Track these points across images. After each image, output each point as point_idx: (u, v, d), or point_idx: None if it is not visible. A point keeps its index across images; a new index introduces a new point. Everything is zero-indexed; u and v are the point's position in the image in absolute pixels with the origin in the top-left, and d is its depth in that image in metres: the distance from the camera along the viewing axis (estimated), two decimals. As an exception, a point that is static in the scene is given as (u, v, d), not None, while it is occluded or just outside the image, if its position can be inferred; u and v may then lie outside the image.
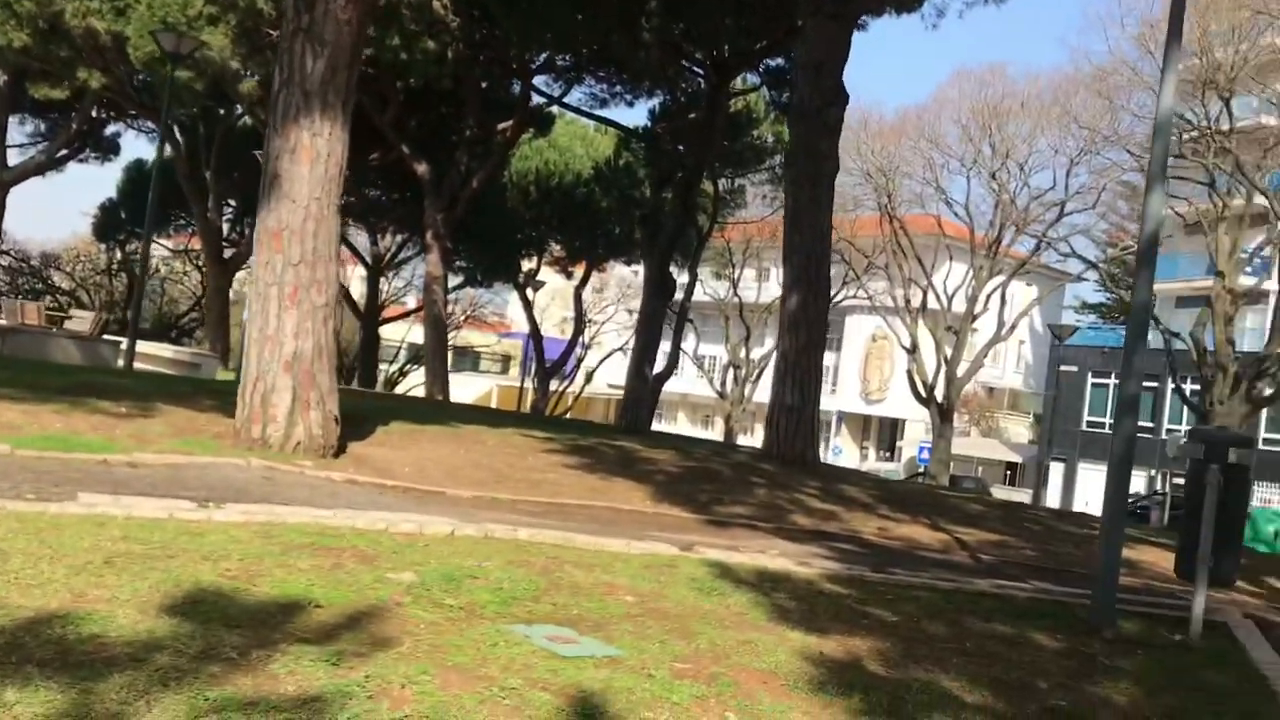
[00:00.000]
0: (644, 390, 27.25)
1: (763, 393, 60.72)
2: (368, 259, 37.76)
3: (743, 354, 46.47)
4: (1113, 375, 49.13)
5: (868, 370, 64.33)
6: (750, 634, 5.14)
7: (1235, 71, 24.58)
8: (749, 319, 45.36)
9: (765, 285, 46.96)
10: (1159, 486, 31.38)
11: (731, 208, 36.92)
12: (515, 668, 4.04)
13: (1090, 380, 51.68)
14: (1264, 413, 40.95)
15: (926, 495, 14.22)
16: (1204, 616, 7.36)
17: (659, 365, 30.97)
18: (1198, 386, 28.60)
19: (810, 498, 11.44)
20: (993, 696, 4.88)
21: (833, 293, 44.55)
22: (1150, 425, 44.98)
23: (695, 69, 26.44)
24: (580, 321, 38.79)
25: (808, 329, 14.25)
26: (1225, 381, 26.08)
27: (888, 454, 64.41)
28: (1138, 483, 41.12)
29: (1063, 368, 53.73)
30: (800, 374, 14.16)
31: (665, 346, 29.30)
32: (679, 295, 33.40)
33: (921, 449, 49.94)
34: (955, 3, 17.12)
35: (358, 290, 40.61)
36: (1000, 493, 50.02)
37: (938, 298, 36.28)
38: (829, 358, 68.53)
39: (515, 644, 4.36)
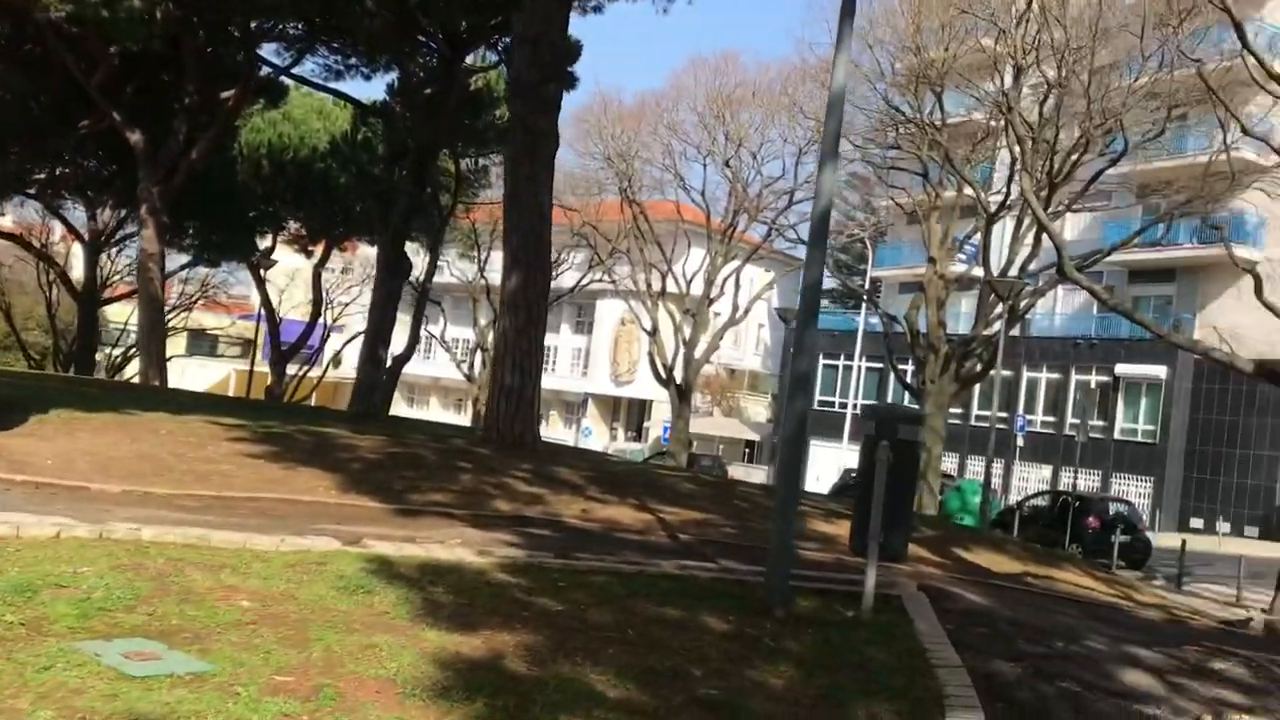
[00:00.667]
0: (377, 374, 26.29)
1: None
2: (85, 235, 34.82)
3: (490, 337, 45.88)
4: (841, 357, 51.71)
5: (617, 353, 65.08)
6: (380, 637, 4.69)
7: (945, 68, 25.99)
8: (496, 301, 44.77)
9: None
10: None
11: (476, 187, 36.23)
12: (59, 695, 3.43)
13: (822, 362, 54.10)
14: (977, 390, 44.04)
15: (641, 475, 14.19)
16: (879, 591, 7.46)
17: (399, 348, 30.04)
18: (914, 367, 30.26)
19: (518, 481, 11.11)
20: (639, 689, 4.63)
21: (581, 278, 45.23)
22: (874, 403, 47.48)
23: (430, 43, 25.64)
24: (319, 303, 37.16)
25: (527, 309, 13.90)
26: (937, 362, 27.64)
27: (635, 435, 65.41)
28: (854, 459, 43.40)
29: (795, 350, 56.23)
30: (520, 354, 13.80)
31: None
32: (421, 276, 32.52)
33: (666, 429, 50.71)
34: None
35: (77, 269, 37.42)
36: (739, 470, 51.65)
37: (676, 281, 36.90)
38: (580, 340, 69.26)
39: (77, 665, 3.74)
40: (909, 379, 30.60)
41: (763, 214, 36.19)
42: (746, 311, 36.97)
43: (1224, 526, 37.55)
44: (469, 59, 26.89)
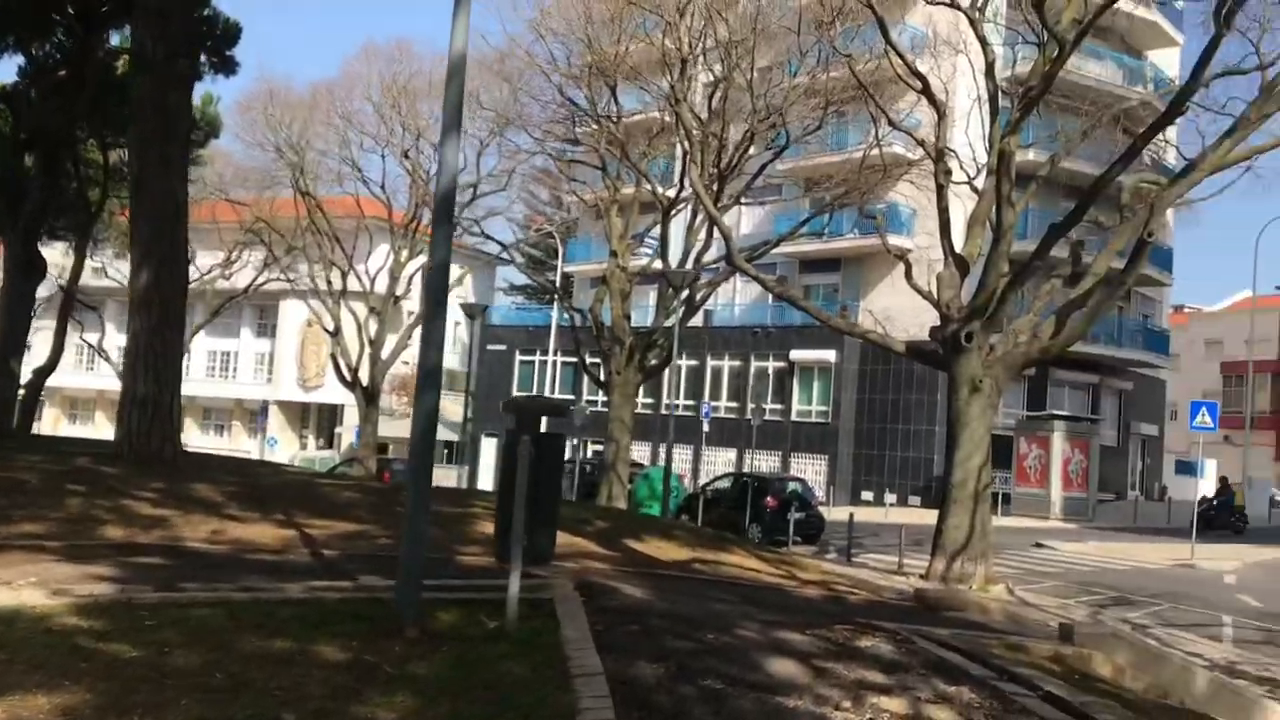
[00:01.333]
0: (10, 387, 23.43)
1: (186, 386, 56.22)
2: None
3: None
4: (537, 352, 51.74)
5: (304, 356, 62.22)
6: None
7: (618, 61, 26.17)
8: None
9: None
10: (572, 455, 33.11)
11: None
12: None
13: (518, 357, 53.98)
14: (668, 379, 45.13)
15: (296, 487, 13.15)
16: (531, 595, 6.98)
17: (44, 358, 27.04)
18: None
19: (143, 503, 9.88)
20: (203, 750, 3.86)
21: (256, 277, 42.62)
22: (571, 397, 47.76)
23: (61, 19, 23.06)
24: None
25: (162, 307, 12.50)
26: (622, 354, 27.85)
27: (326, 442, 62.76)
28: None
29: (490, 346, 55.65)
30: (154, 359, 12.39)
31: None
32: (66, 279, 29.38)
33: (358, 434, 48.77)
34: None
35: None
36: (437, 472, 50.54)
37: (359, 279, 35.45)
38: (263, 344, 65.68)
39: None
40: (598, 372, 30.76)
41: (446, 208, 35.30)
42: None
43: (890, 498, 40.31)
44: (114, 39, 24.49)
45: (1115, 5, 19.56)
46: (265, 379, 65.45)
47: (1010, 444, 38.51)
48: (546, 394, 49.20)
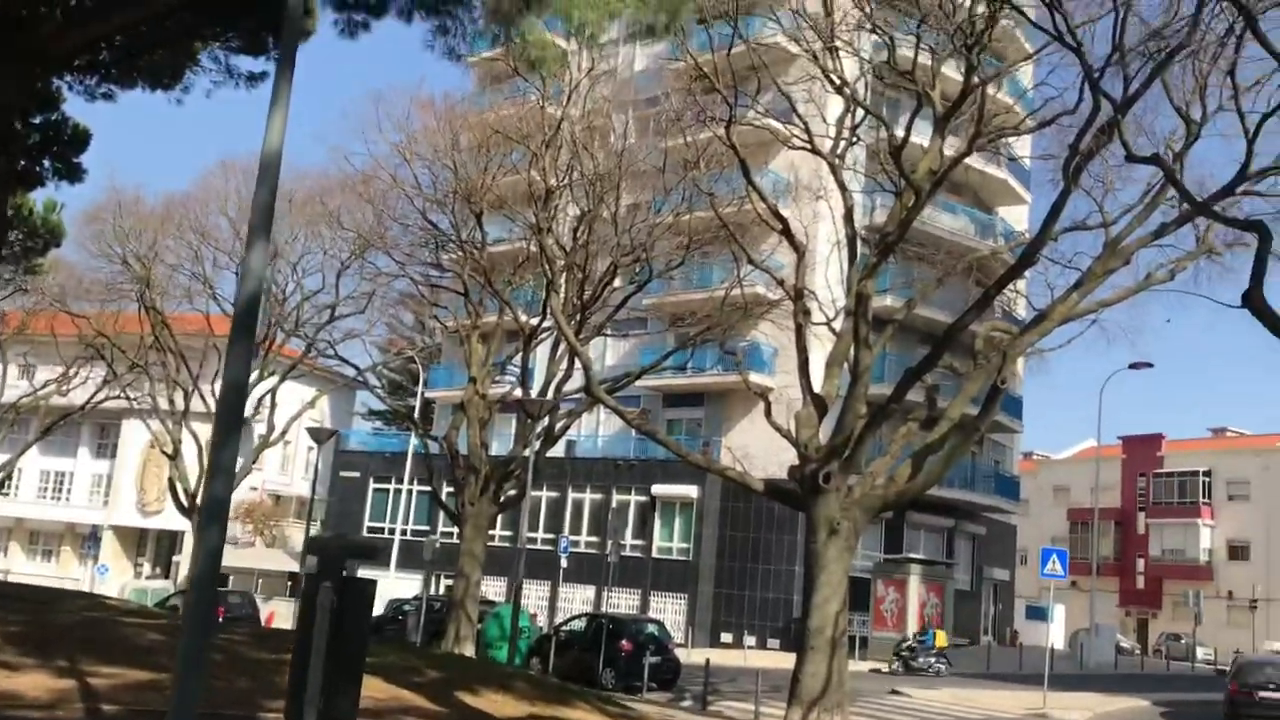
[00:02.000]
0: None
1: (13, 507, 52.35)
2: None
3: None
4: (392, 480, 50.05)
5: (145, 479, 59.09)
6: None
7: (484, 188, 25.95)
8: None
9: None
10: (420, 592, 31.61)
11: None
12: None
13: (372, 485, 52.15)
14: (527, 511, 43.96)
15: (94, 627, 11.83)
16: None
17: None
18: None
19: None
20: None
21: (94, 394, 40.23)
22: (426, 528, 46.16)
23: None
24: None
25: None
26: (477, 484, 26.90)
27: (163, 571, 59.21)
28: (402, 588, 41.58)
29: (344, 473, 53.72)
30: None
31: None
32: None
33: (199, 563, 46.00)
34: (202, 79, 15.31)
35: None
36: (280, 605, 47.86)
37: (203, 399, 33.77)
38: (101, 466, 62.10)
39: None
40: (453, 503, 29.61)
41: (303, 328, 34.18)
42: (284, 432, 34.47)
43: (750, 640, 39.62)
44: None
45: (967, 161, 20.28)
46: (102, 502, 61.73)
47: (868, 587, 38.47)
48: (400, 525, 47.40)
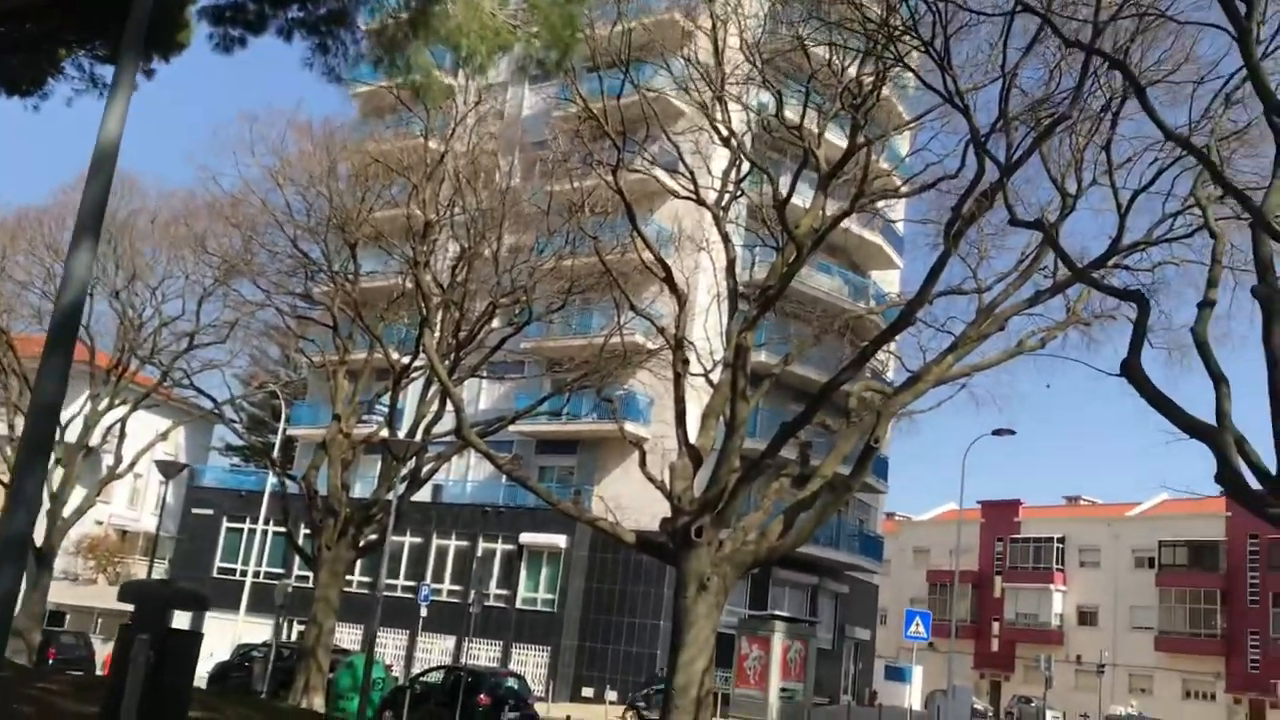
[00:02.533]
0: None
1: None
2: None
3: None
4: (247, 520, 47.98)
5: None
6: None
7: (361, 221, 25.17)
8: None
9: None
10: (270, 638, 30.09)
11: None
12: None
13: (225, 524, 49.95)
14: (387, 557, 42.55)
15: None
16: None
17: None
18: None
19: None
20: None
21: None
22: (281, 571, 44.29)
23: None
24: None
25: None
26: (335, 526, 25.79)
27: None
28: (252, 632, 39.71)
29: (196, 510, 51.34)
30: None
31: None
32: None
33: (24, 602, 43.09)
34: (63, 87, 14.34)
35: None
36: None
37: (46, 425, 31.73)
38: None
39: None
40: (309, 545, 28.31)
41: (158, 355, 32.53)
42: (133, 464, 32.66)
43: (611, 695, 38.91)
44: None
45: (844, 223, 20.44)
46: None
47: (732, 643, 38.21)
48: (253, 566, 45.33)
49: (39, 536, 30.56)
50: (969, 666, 69.88)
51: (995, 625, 70.93)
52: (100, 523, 56.95)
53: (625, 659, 41.23)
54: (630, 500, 27.62)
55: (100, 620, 50.05)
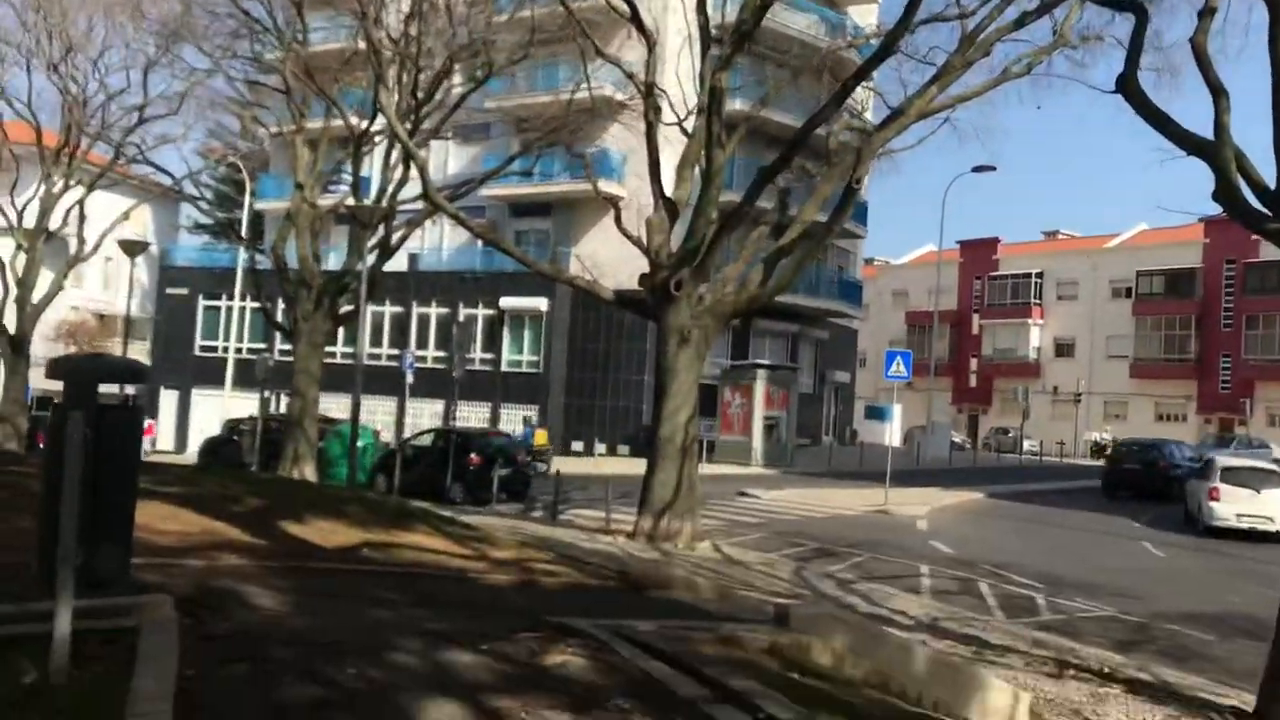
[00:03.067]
0: None
1: None
2: None
3: None
4: (223, 297, 47.62)
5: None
6: None
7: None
8: None
9: None
10: (251, 413, 30.28)
11: None
12: None
13: (202, 303, 49.64)
14: (369, 326, 42.52)
15: None
16: (106, 625, 5.15)
17: None
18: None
19: None
20: None
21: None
22: (263, 346, 44.29)
23: None
24: None
25: None
26: (310, 298, 25.41)
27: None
28: (240, 407, 40.08)
29: (170, 290, 50.91)
30: None
31: None
32: None
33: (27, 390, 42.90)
34: None
35: None
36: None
37: (1, 213, 30.72)
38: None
39: None
40: (285, 319, 28.02)
41: (108, 132, 31.13)
42: (97, 246, 31.83)
43: (600, 448, 39.85)
44: None
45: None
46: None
47: (715, 393, 38.80)
48: (234, 343, 45.30)
49: (10, 323, 30.17)
50: (948, 403, 71.81)
51: (973, 362, 72.36)
52: (76, 308, 56.55)
53: (612, 413, 41.98)
54: (608, 259, 27.26)
55: (89, 403, 50.40)
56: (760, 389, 38.81)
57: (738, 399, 39.34)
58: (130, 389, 8.54)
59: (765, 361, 42.01)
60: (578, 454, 41.37)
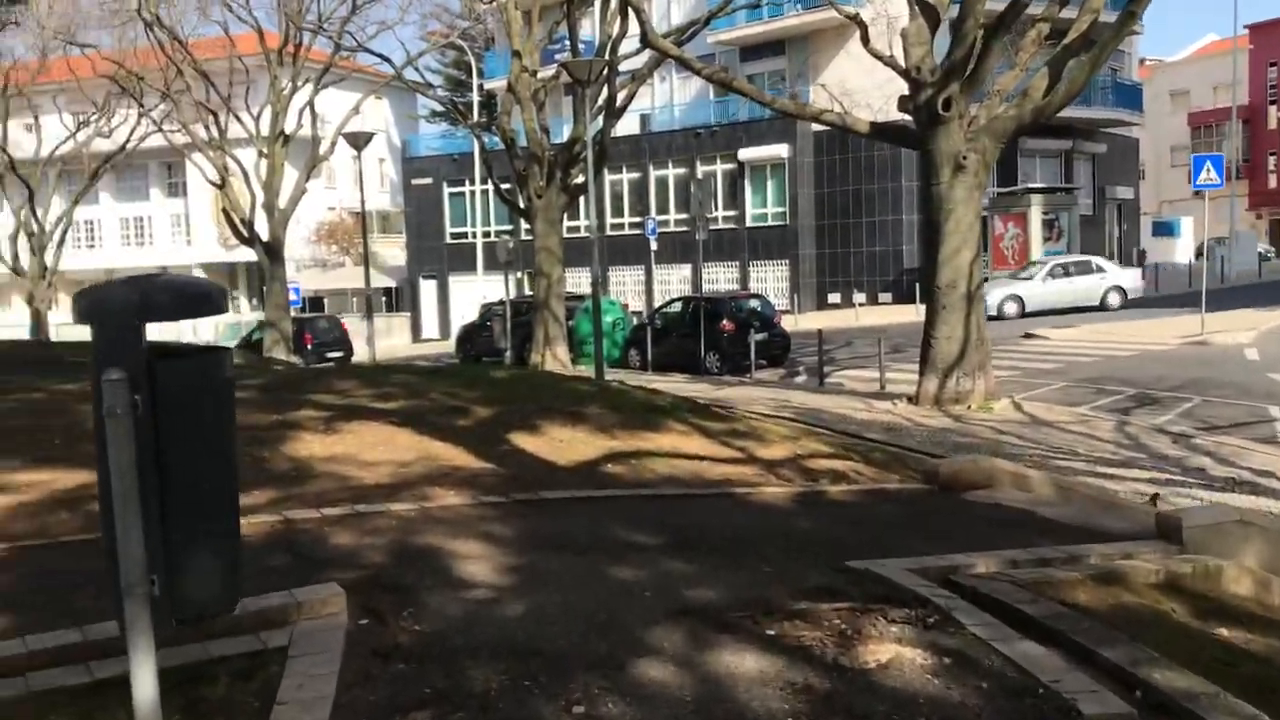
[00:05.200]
0: None
1: (70, 259, 51.66)
2: None
3: (32, 219, 37.90)
4: (466, 182, 47.50)
5: (219, 214, 57.59)
6: None
7: None
8: (27, 175, 36.78)
9: (41, 136, 38.39)
10: (503, 296, 29.59)
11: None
12: None
13: (447, 190, 49.78)
14: (609, 195, 41.30)
15: (43, 413, 9.62)
16: (249, 642, 3.66)
17: None
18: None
19: None
20: None
21: (132, 134, 37.38)
22: (510, 228, 43.95)
23: None
24: None
25: None
26: (541, 173, 24.08)
27: (259, 302, 58.90)
28: (496, 290, 39.86)
29: (415, 181, 51.28)
30: None
31: None
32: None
33: (291, 289, 44.54)
34: None
35: None
36: (380, 323, 47.07)
37: (240, 123, 30.94)
38: (176, 205, 60.74)
39: None
40: (517, 197, 26.83)
41: (327, 24, 30.58)
42: (333, 144, 31.64)
43: (859, 297, 37.30)
44: None
45: None
46: (185, 241, 60.93)
47: (984, 226, 35.31)
48: (481, 227, 45.14)
49: (263, 230, 30.58)
50: (1243, 209, 64.09)
51: (1271, 160, 64.07)
52: (332, 208, 58.35)
53: (869, 260, 39.25)
54: (857, 89, 24.27)
55: (354, 300, 52.11)
56: (1036, 215, 34.99)
57: (1010, 229, 35.68)
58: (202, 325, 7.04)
59: (1038, 185, 37.84)
60: (835, 306, 39.06)
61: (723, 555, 5.33)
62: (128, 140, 37.11)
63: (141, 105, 33.95)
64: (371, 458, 7.37)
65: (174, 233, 61.61)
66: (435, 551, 5.19)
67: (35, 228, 37.86)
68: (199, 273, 58.63)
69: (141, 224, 62.62)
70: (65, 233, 39.20)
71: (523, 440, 8.05)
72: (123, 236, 62.79)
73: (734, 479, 7.55)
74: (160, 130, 33.66)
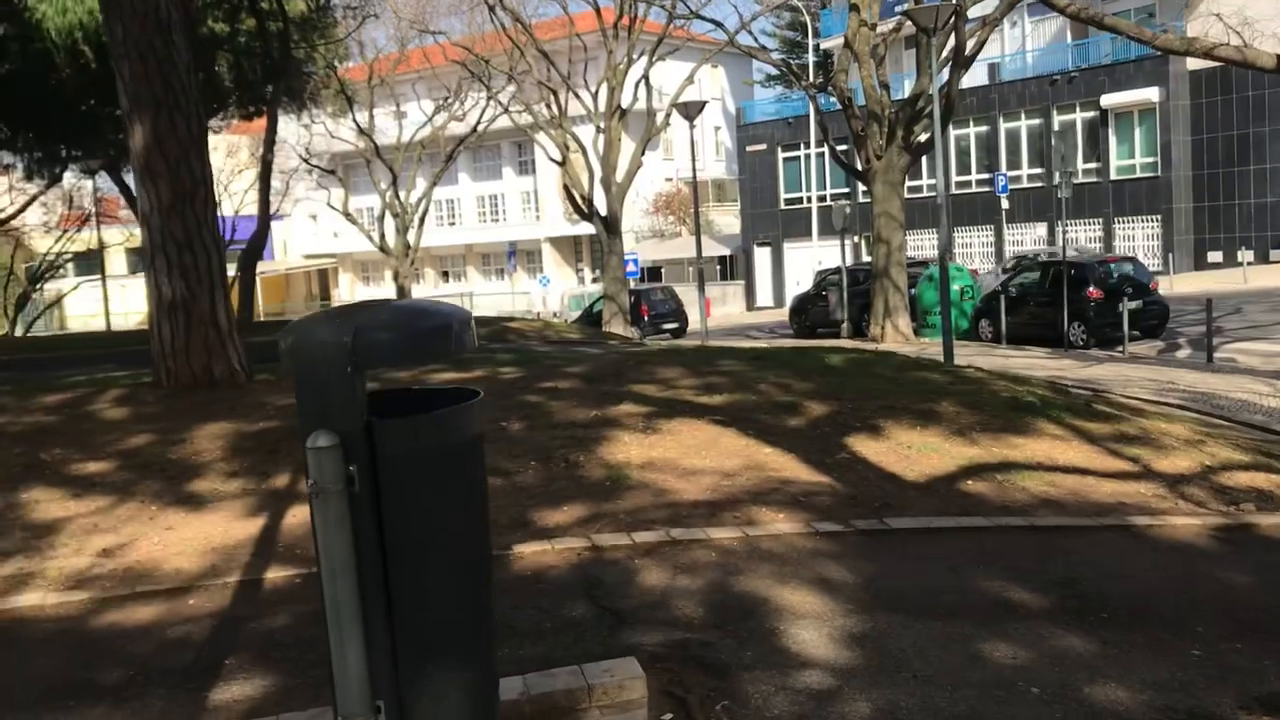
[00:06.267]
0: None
1: (431, 236, 55.29)
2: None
3: (396, 200, 40.62)
4: (801, 146, 46.35)
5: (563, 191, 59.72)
6: None
7: None
8: (390, 160, 39.42)
9: (403, 122, 41.07)
10: (839, 263, 28.24)
11: (322, 30, 30.47)
12: None
13: (781, 155, 48.82)
14: (954, 152, 38.80)
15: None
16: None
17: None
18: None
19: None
20: None
21: (482, 116, 39.28)
22: (846, 190, 42.46)
23: None
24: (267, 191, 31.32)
25: (171, 176, 8.92)
26: (881, 132, 22.59)
27: (600, 273, 60.69)
28: (831, 256, 38.48)
29: (750, 147, 50.62)
30: (176, 249, 8.93)
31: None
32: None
33: (628, 261, 45.36)
34: None
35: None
36: (713, 291, 47.04)
37: (579, 100, 31.40)
38: (525, 183, 63.66)
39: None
40: (854, 159, 25.45)
41: (660, -6, 30.31)
42: (668, 116, 31.47)
43: (1246, 255, 32.92)
44: None
45: None
46: (534, 217, 63.73)
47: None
48: (816, 192, 43.84)
49: (601, 205, 30.94)
50: None
51: None
52: (669, 179, 58.92)
53: (1257, 212, 34.60)
54: (1257, 15, 20.93)
55: (691, 269, 52.34)
56: None
57: None
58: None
59: None
60: (1216, 265, 34.77)
61: (1131, 628, 4.06)
62: (478, 122, 38.86)
63: (489, 88, 35.32)
64: (692, 464, 6.57)
65: (525, 209, 64.55)
66: (760, 604, 4.27)
67: (399, 208, 40.52)
68: (545, 247, 61.25)
69: (495, 201, 66.06)
70: (425, 212, 41.73)
71: (862, 446, 6.97)
72: (479, 214, 66.58)
73: (1129, 502, 6.10)
74: (506, 112, 34.87)
